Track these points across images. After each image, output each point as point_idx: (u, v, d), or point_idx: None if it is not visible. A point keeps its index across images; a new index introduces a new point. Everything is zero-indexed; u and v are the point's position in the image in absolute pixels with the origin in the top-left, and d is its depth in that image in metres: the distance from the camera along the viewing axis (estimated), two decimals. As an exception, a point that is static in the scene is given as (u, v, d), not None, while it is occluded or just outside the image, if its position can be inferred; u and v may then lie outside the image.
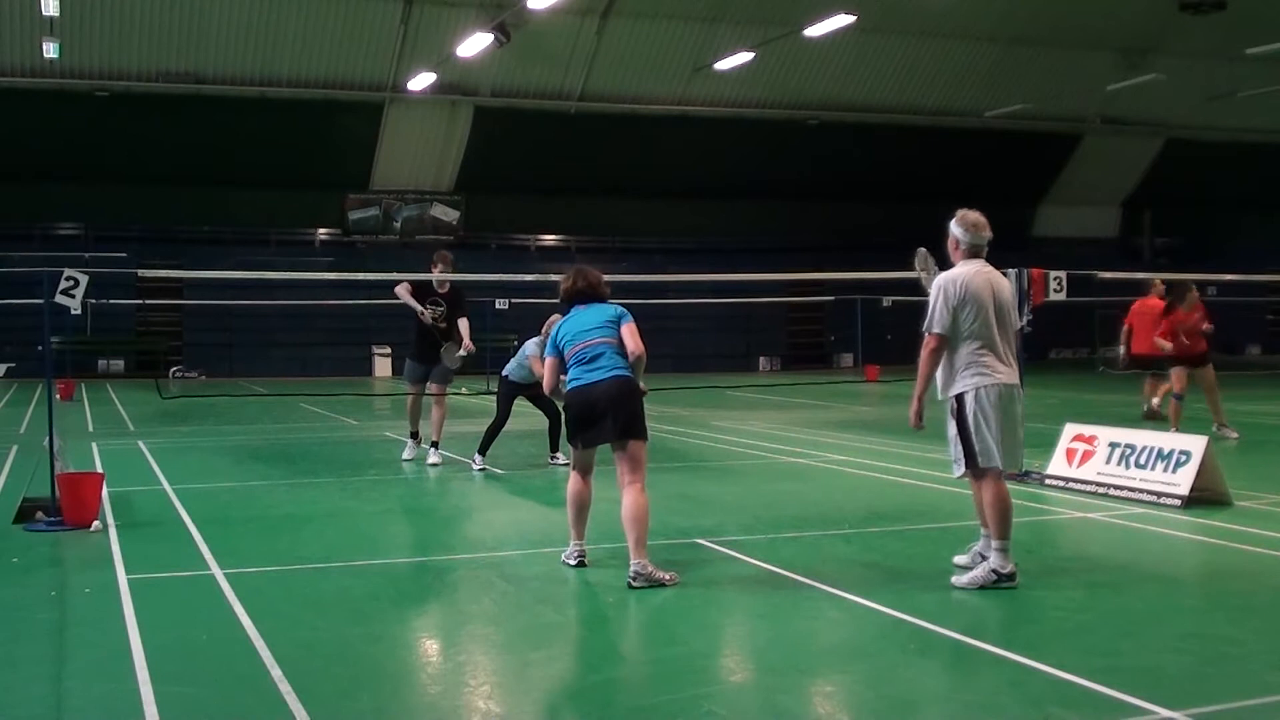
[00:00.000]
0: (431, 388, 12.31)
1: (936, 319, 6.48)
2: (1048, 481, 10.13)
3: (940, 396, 6.64)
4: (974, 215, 6.73)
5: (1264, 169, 40.39)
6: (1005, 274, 10.61)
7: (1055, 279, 10.77)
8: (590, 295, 7.26)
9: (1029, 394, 11.40)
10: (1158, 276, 15.32)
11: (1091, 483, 9.76)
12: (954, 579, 6.49)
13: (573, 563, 7.20)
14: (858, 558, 7.43)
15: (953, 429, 6.50)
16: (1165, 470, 9.19)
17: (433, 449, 12.36)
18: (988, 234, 6.71)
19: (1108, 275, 15.38)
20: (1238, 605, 6.22)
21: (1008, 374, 6.49)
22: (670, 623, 6.12)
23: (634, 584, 6.58)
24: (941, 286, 6.54)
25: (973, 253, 6.67)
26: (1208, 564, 7.61)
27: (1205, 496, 8.98)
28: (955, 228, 6.72)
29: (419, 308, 12.01)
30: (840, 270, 30.16)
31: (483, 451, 12.02)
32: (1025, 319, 10.67)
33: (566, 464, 11.81)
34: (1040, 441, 11.02)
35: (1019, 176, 40.02)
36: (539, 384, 11.93)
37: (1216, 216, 41.53)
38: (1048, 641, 5.52)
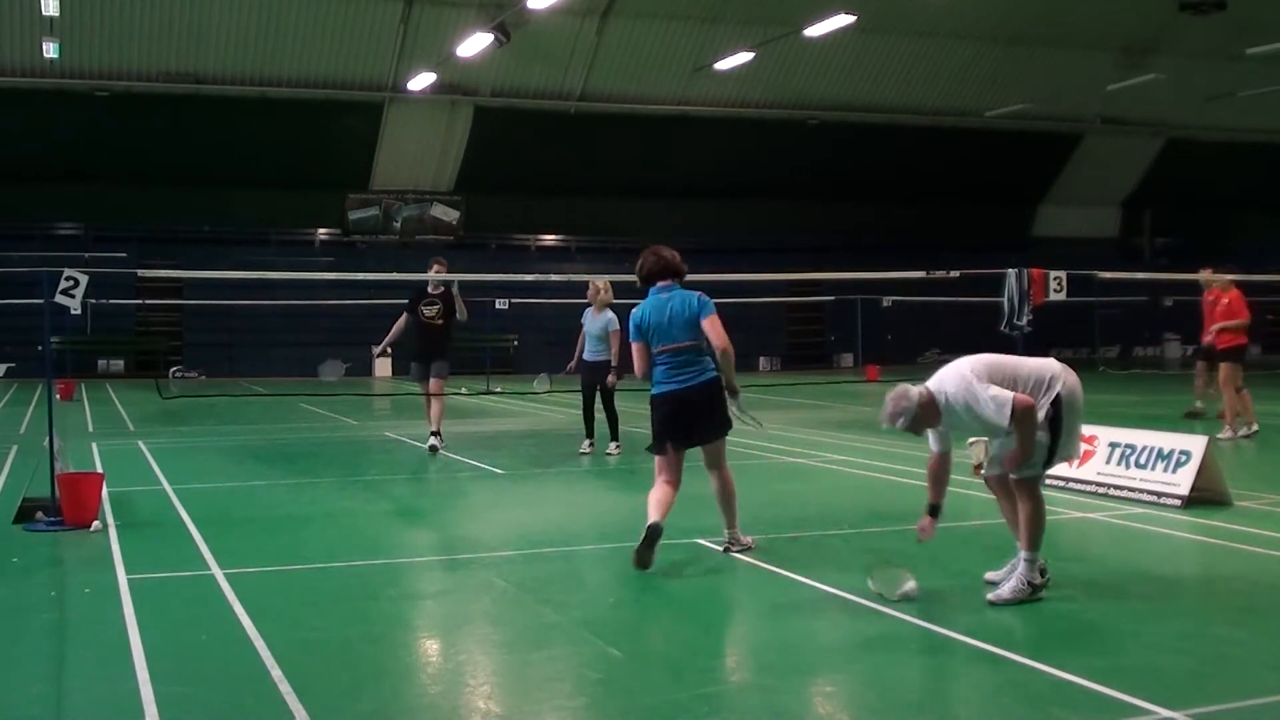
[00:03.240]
0: (431, 385, 13.00)
1: (1002, 398, 5.94)
2: (1048, 481, 10.11)
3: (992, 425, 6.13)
4: (888, 400, 6.11)
5: (1264, 169, 40.38)
6: (1005, 274, 10.75)
7: (1055, 279, 10.76)
8: (666, 273, 7.19)
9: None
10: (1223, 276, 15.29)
11: (1091, 483, 9.76)
12: (989, 595, 6.16)
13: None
14: (858, 558, 7.42)
15: (1044, 433, 6.10)
16: (1165, 470, 9.19)
17: (433, 437, 13.02)
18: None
19: (1108, 275, 15.43)
20: (1238, 605, 6.22)
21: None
22: (670, 623, 6.13)
23: (730, 550, 7.31)
24: (969, 387, 6.01)
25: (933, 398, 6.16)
26: (1208, 564, 7.61)
27: (1205, 496, 8.97)
28: (905, 417, 6.04)
29: (402, 321, 13.21)
30: (840, 270, 30.20)
31: (614, 438, 12.72)
32: (1026, 319, 10.68)
33: (617, 452, 12.50)
34: (1040, 441, 11.00)
35: (1019, 176, 40.03)
36: (605, 366, 12.35)
37: (1216, 216, 41.53)
38: (1048, 641, 5.52)
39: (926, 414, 6.11)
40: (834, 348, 37.18)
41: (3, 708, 4.66)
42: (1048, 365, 6.30)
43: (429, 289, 13.10)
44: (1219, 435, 13.17)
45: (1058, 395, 6.17)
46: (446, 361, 13.13)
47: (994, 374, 6.13)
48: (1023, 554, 6.20)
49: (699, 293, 7.13)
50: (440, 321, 12.94)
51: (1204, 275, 14.95)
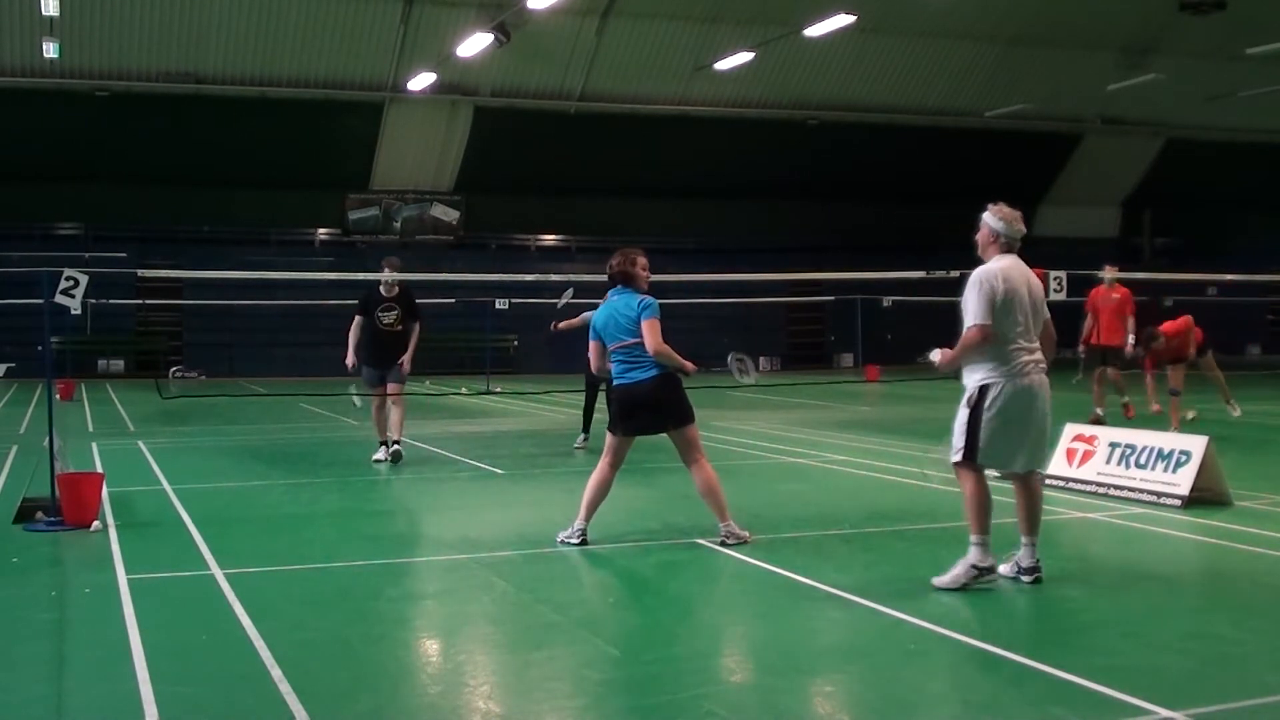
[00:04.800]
0: (389, 388, 12.29)
1: (984, 311, 6.27)
2: (1048, 481, 10.11)
3: (964, 383, 6.51)
4: (1010, 209, 6.58)
5: (1264, 169, 40.36)
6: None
7: (1055, 279, 10.77)
8: (622, 280, 7.79)
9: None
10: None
11: (1092, 483, 9.76)
12: (935, 579, 6.42)
13: (575, 541, 7.66)
14: (858, 558, 7.43)
15: (963, 417, 6.40)
16: (1165, 470, 9.20)
17: (387, 446, 12.27)
18: (1023, 228, 6.57)
19: (1108, 275, 15.42)
20: (1238, 605, 6.22)
21: (1035, 373, 6.43)
22: (670, 623, 6.13)
23: (727, 543, 7.56)
24: (981, 280, 6.37)
25: (1008, 247, 6.51)
26: (1208, 564, 7.62)
27: (1205, 496, 8.98)
28: (992, 220, 6.53)
29: (359, 321, 12.27)
30: (840, 270, 30.16)
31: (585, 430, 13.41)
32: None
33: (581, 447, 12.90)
34: (1040, 441, 11.01)
35: (1019, 176, 39.96)
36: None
37: (1216, 216, 41.51)
38: (1048, 641, 5.52)
39: (983, 240, 6.56)
40: (834, 348, 37.17)
41: (3, 708, 4.66)
42: (1016, 357, 6.38)
43: (382, 291, 12.26)
44: (1232, 413, 13.36)
45: (984, 387, 6.32)
46: (402, 369, 12.31)
47: (1004, 305, 6.30)
48: (971, 537, 6.42)
49: (643, 296, 7.73)
50: (399, 327, 12.17)
51: (1110, 274, 15.20)
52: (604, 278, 7.97)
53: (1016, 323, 6.36)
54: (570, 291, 13.59)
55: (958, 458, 6.43)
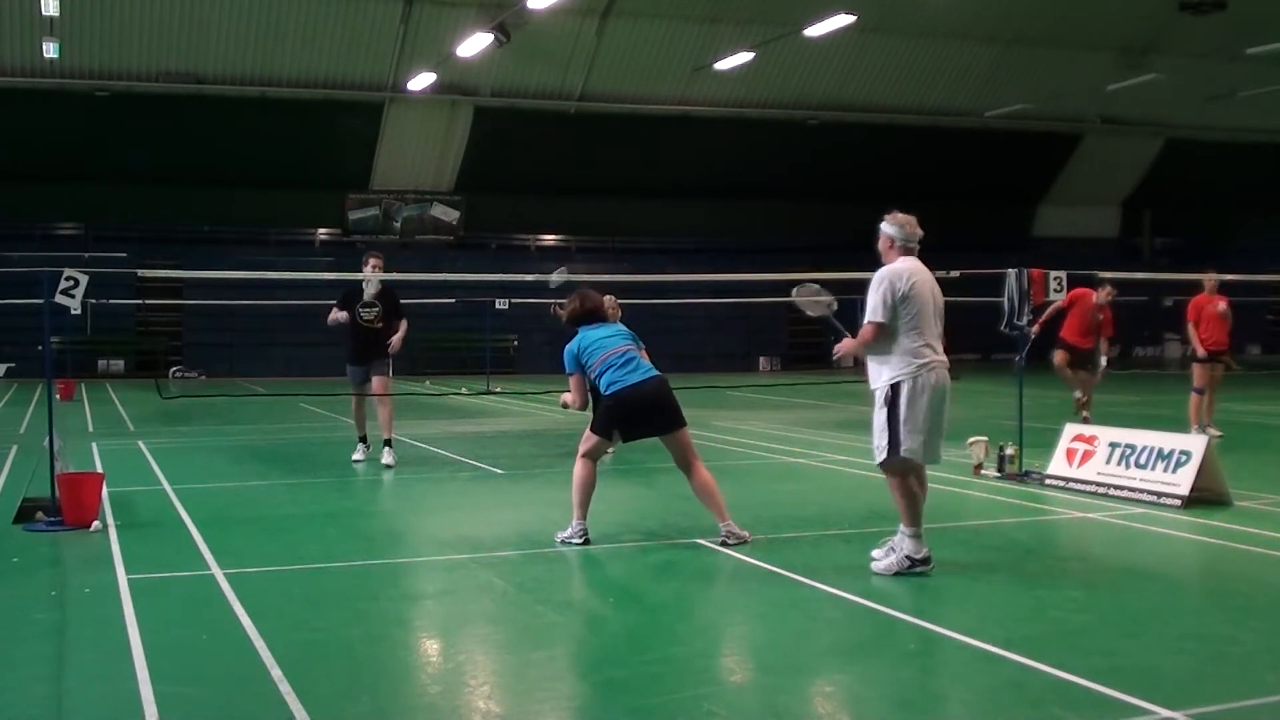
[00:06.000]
0: (374, 385, 12.19)
1: (880, 309, 6.66)
2: (1048, 481, 10.13)
3: (872, 386, 6.87)
4: (904, 215, 6.94)
5: (1264, 169, 40.35)
6: (1005, 274, 10.75)
7: (1055, 279, 10.77)
8: (596, 316, 7.99)
9: (1031, 394, 11.42)
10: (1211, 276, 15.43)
11: (1092, 483, 9.76)
12: (873, 565, 6.80)
13: (578, 541, 7.68)
14: (858, 558, 7.42)
15: (882, 417, 6.72)
16: (1165, 470, 9.20)
17: (386, 448, 12.13)
18: (919, 232, 6.92)
19: (1108, 275, 15.40)
20: (1238, 605, 6.22)
21: (940, 369, 6.70)
22: (670, 623, 6.13)
23: (728, 543, 7.54)
24: (884, 279, 6.72)
25: (906, 250, 6.86)
26: (1208, 564, 7.62)
27: (1205, 496, 8.99)
28: (889, 227, 6.91)
29: (342, 315, 12.03)
30: (840, 270, 30.06)
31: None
32: (1026, 319, 10.70)
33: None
34: (1040, 441, 11.02)
35: (1019, 176, 40.00)
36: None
37: (1216, 216, 41.51)
38: (1048, 641, 5.52)
39: (883, 246, 6.98)
40: (834, 348, 37.14)
41: (3, 708, 4.67)
42: (924, 354, 6.63)
43: (364, 288, 12.01)
44: (1213, 433, 13.17)
45: (897, 384, 6.63)
46: (388, 361, 12.17)
47: (906, 302, 6.65)
48: (904, 529, 6.73)
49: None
50: (380, 325, 12.02)
51: (1104, 294, 15.22)
52: (602, 276, 8.05)
53: (922, 319, 6.66)
54: (564, 271, 13.37)
55: (881, 457, 6.74)
